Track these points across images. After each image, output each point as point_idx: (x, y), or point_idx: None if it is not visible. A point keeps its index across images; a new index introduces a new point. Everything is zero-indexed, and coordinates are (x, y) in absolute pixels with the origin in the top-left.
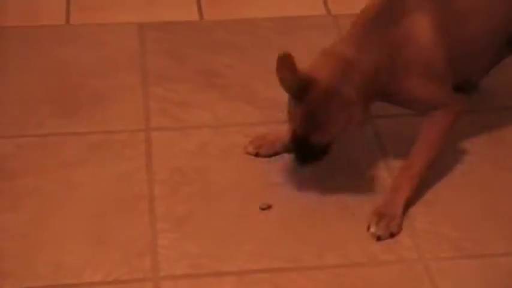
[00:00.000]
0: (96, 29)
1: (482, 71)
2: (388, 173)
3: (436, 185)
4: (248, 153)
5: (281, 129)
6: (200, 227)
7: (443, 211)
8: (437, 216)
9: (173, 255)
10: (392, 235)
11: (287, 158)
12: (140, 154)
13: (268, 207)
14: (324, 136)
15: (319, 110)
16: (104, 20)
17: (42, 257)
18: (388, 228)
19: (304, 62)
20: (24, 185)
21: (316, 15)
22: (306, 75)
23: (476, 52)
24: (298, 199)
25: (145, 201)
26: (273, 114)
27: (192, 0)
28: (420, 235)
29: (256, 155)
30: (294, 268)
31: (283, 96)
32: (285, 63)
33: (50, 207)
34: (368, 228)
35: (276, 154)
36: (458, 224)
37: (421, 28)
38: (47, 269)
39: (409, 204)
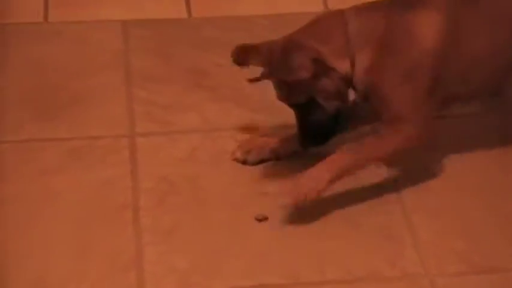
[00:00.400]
0: (77, 27)
1: (487, 92)
2: (393, 181)
3: (443, 193)
4: (236, 159)
5: (272, 134)
6: (189, 240)
7: (451, 221)
8: (444, 227)
9: (160, 270)
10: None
11: (283, 164)
12: (124, 161)
13: (265, 218)
14: (294, 95)
15: (275, 66)
16: (85, 17)
17: (21, 270)
18: (298, 201)
19: None
20: (1, 194)
21: (314, 12)
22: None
23: (483, 72)
24: (295, 209)
25: (130, 212)
26: (267, 118)
27: None
28: (426, 247)
29: (244, 162)
30: (291, 284)
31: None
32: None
33: (28, 216)
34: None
35: (265, 161)
36: (467, 235)
37: (428, 30)
38: (28, 282)
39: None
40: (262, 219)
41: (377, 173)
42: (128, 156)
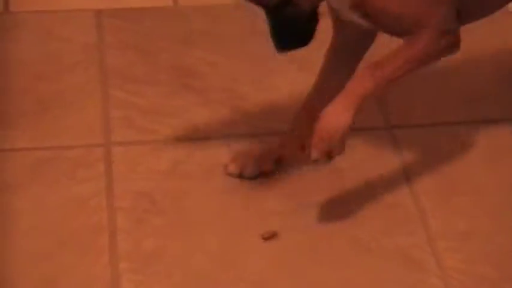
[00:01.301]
0: (43, 18)
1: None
2: (411, 197)
3: (472, 214)
4: (230, 174)
5: (270, 142)
6: (173, 267)
7: (481, 246)
8: (474, 252)
9: None
10: (330, 157)
11: (287, 175)
12: (98, 175)
13: (273, 235)
14: None
15: None
16: (53, 6)
17: None
18: (328, 148)
19: (300, 52)
20: None
21: None
22: None
23: None
24: (299, 230)
25: (105, 235)
26: (265, 124)
27: None
28: (453, 276)
29: (240, 176)
30: None
31: (277, 101)
32: None
33: None
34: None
35: (264, 174)
36: (499, 262)
37: None
38: None
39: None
40: (269, 237)
41: (395, 187)
42: (102, 170)
